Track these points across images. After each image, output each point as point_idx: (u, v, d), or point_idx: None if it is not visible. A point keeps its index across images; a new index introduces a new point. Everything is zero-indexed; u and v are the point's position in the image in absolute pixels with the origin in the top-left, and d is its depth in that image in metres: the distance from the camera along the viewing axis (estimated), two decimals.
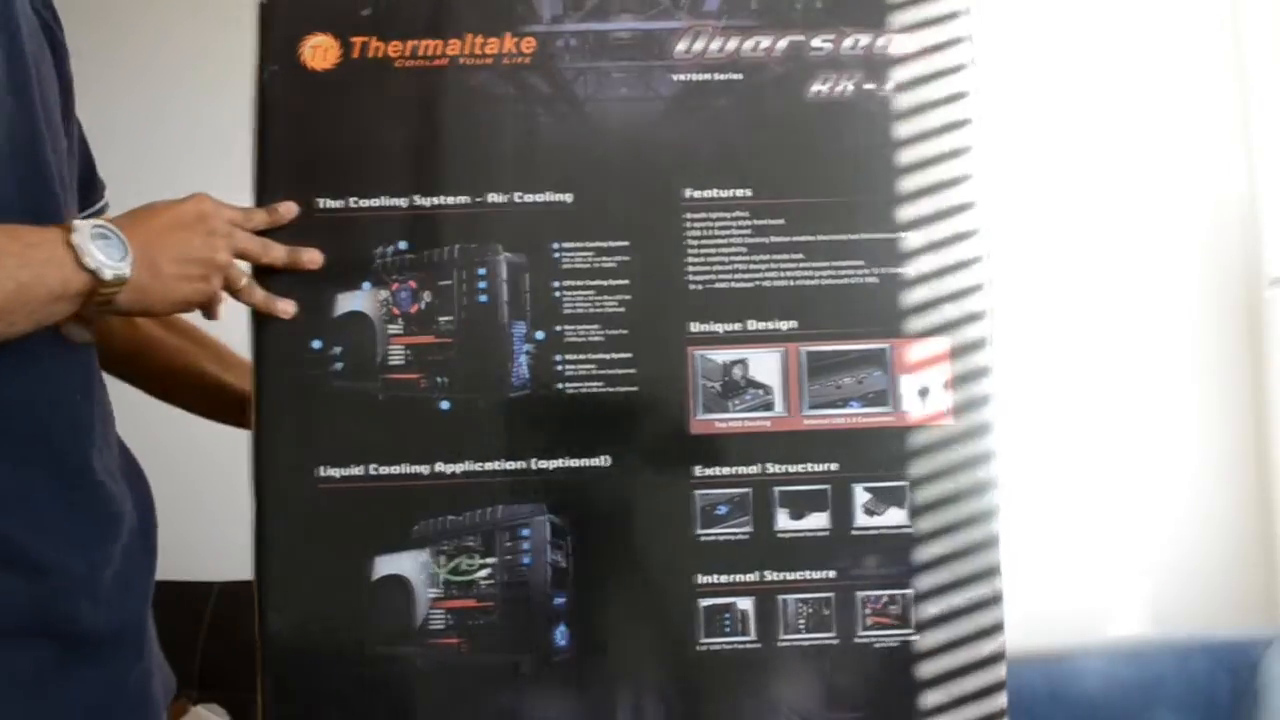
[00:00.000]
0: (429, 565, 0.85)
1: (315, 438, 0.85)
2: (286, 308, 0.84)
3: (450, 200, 0.87)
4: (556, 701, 0.85)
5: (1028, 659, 1.68)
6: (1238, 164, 1.74)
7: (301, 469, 0.85)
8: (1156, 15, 1.78)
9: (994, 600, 0.85)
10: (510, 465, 0.85)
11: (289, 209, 0.84)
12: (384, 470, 0.85)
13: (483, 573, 0.85)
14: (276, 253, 0.82)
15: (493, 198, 0.87)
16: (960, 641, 0.85)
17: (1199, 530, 1.75)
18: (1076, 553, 1.76)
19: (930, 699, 0.85)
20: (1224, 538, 1.74)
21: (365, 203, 0.86)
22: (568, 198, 0.87)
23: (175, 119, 1.86)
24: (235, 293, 0.81)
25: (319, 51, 0.87)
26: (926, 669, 0.85)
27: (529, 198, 0.87)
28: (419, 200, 0.86)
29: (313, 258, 0.84)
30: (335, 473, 0.85)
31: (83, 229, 0.69)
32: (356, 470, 0.85)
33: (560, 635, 0.85)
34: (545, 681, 0.85)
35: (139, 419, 0.86)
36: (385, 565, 0.85)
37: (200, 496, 1.46)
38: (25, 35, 0.73)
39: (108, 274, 0.69)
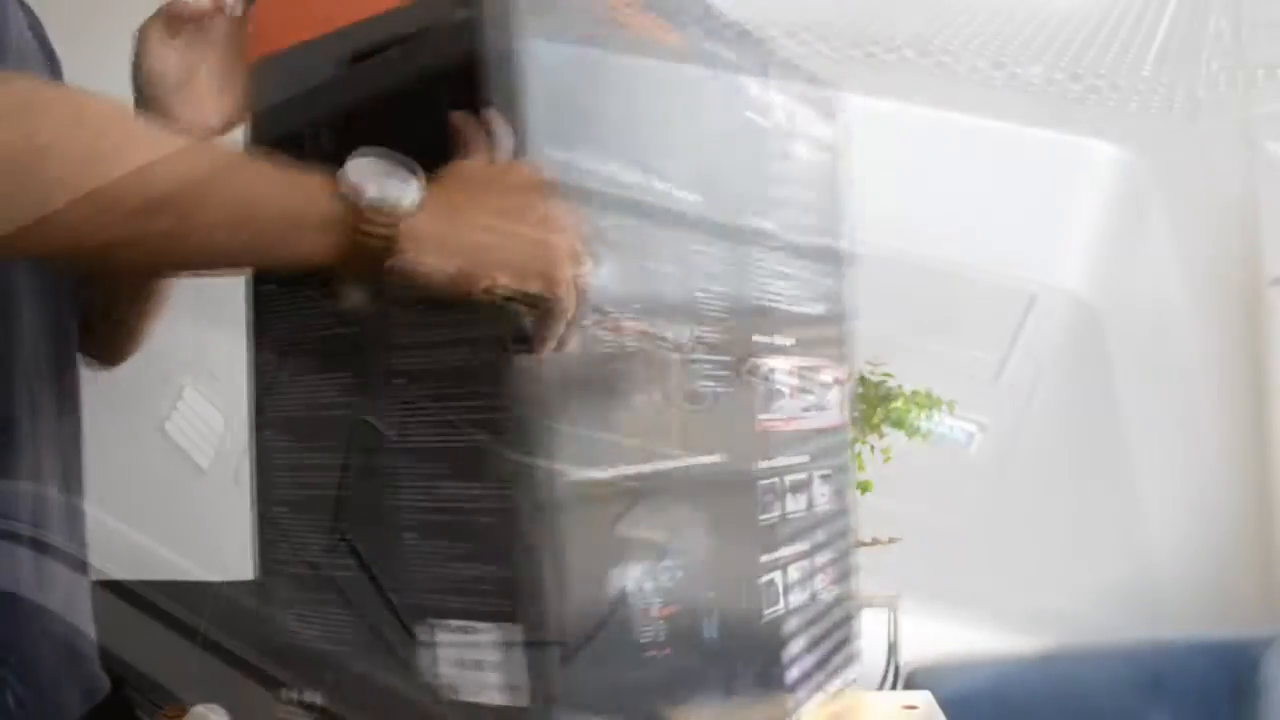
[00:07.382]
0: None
1: None
2: None
3: None
4: None
5: (1028, 658, 1.69)
6: (1238, 163, 1.73)
7: None
8: (1161, 15, 1.77)
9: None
10: None
11: None
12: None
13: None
14: None
15: None
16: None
17: (1199, 529, 1.74)
18: (1075, 551, 1.76)
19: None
20: (1223, 537, 1.73)
21: None
22: None
23: None
24: None
25: None
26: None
27: None
28: None
29: None
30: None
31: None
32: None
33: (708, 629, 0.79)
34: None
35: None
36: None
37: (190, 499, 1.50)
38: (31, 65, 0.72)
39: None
